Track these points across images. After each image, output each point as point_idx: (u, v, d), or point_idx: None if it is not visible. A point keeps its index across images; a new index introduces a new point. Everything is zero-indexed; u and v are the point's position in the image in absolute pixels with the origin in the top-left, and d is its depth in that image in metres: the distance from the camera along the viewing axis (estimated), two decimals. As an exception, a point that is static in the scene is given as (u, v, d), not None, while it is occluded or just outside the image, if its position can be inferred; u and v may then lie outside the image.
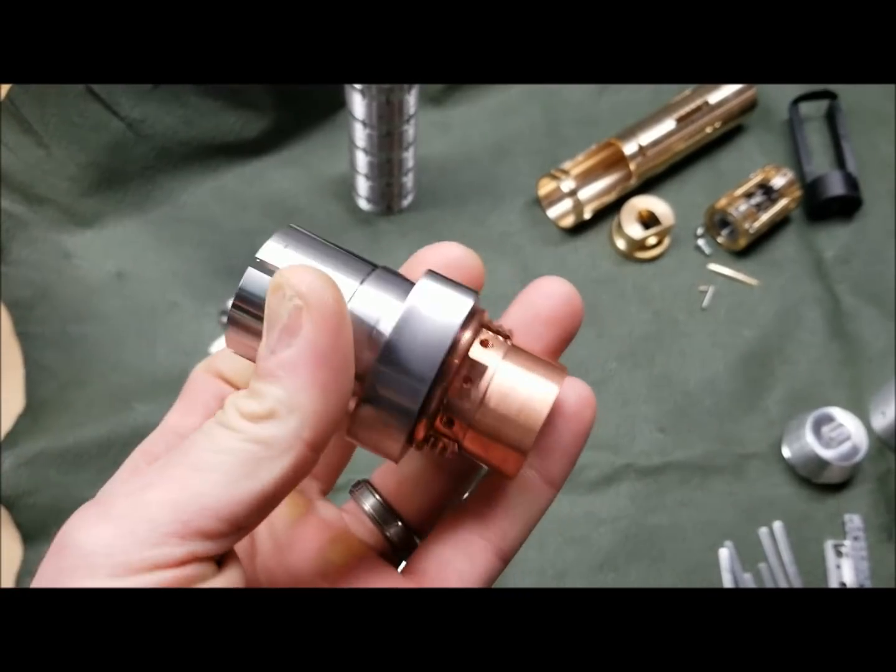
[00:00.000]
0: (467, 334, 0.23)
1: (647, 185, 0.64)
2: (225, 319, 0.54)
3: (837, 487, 0.54)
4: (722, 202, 0.61)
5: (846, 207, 0.64)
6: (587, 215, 0.60)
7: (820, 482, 0.54)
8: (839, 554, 0.52)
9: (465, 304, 0.22)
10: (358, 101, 0.51)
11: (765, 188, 0.61)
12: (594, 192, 0.62)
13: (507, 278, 0.59)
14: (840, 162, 0.66)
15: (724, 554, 0.51)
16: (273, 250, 0.22)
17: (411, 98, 0.51)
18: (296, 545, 0.26)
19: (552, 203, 0.62)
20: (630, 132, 0.61)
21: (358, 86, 0.50)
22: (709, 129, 0.64)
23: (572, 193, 0.59)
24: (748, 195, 0.61)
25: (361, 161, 0.56)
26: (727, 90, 0.65)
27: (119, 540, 0.19)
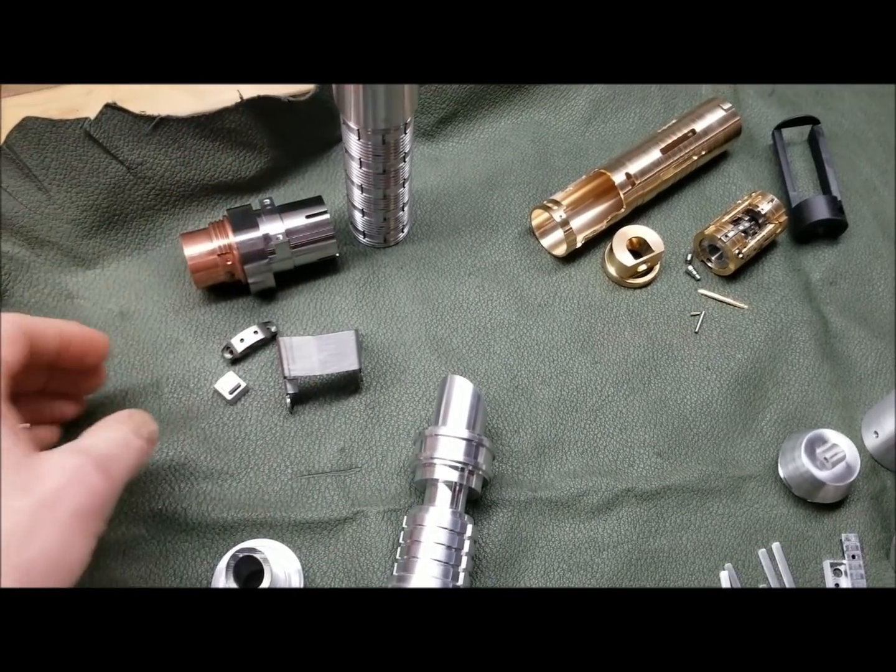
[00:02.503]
0: None
1: (637, 212, 0.65)
2: (228, 355, 0.55)
3: (833, 507, 0.55)
4: (710, 229, 0.62)
5: (831, 230, 0.66)
6: (579, 244, 0.62)
7: (816, 502, 0.55)
8: (837, 573, 0.53)
9: None
10: (353, 140, 0.52)
11: (752, 214, 0.63)
12: (585, 221, 0.64)
13: (503, 307, 0.60)
14: (824, 186, 0.67)
15: (725, 576, 0.52)
16: None
17: (406, 136, 0.53)
18: None
19: (545, 233, 0.64)
20: (618, 162, 0.63)
21: (354, 125, 0.51)
22: (695, 157, 0.65)
23: (564, 223, 0.60)
24: (735, 221, 0.62)
25: (358, 197, 0.58)
26: (712, 118, 0.66)
27: None
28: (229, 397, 0.54)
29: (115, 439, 0.43)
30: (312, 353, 0.54)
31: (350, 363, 0.54)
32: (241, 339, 0.56)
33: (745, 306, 0.62)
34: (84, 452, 0.40)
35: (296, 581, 0.49)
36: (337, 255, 0.59)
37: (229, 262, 0.56)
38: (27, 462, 0.38)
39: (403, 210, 0.60)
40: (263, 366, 0.56)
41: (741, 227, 0.62)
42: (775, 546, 0.54)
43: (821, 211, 0.64)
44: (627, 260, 0.61)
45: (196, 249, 0.55)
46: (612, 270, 0.62)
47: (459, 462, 0.49)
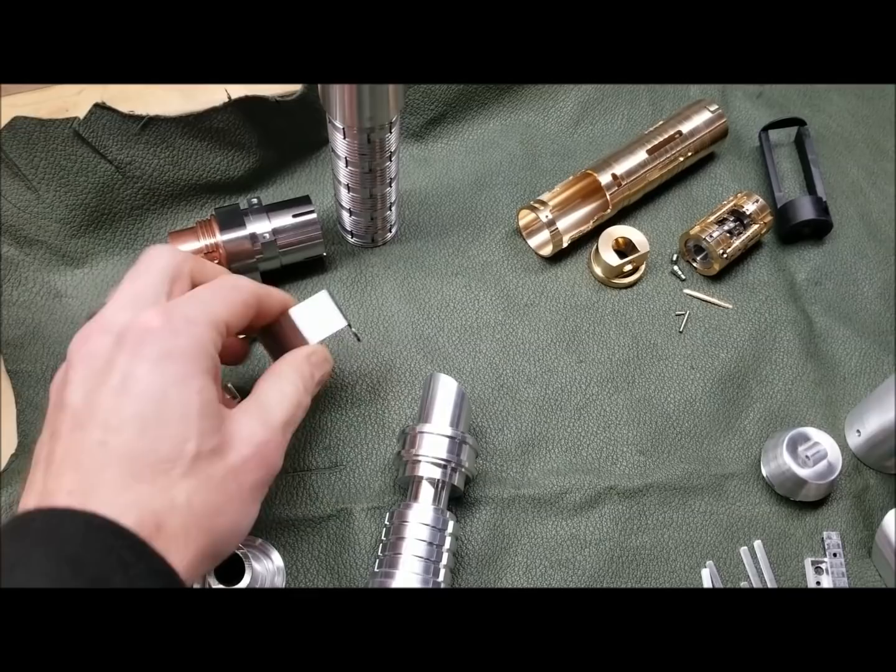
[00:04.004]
0: None
1: (623, 213, 0.65)
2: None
3: (815, 505, 0.55)
4: (695, 229, 0.62)
5: (817, 231, 0.66)
6: (565, 244, 0.62)
7: (798, 500, 0.55)
8: (819, 571, 0.53)
9: None
10: (339, 139, 0.53)
11: (737, 214, 0.63)
12: (572, 221, 0.64)
13: (489, 306, 0.61)
14: (810, 187, 0.68)
15: (707, 574, 0.53)
16: None
17: (392, 136, 0.53)
18: None
19: (532, 233, 0.64)
20: (605, 163, 0.63)
21: (339, 124, 0.51)
22: (681, 158, 0.66)
23: (551, 224, 0.61)
24: (721, 221, 0.63)
25: (345, 196, 0.58)
26: (698, 120, 0.67)
27: None
28: (215, 395, 0.55)
29: (290, 399, 0.42)
30: (296, 329, 0.52)
31: (336, 323, 0.52)
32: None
33: (730, 306, 0.63)
34: (270, 426, 0.40)
35: (278, 578, 0.49)
36: (324, 254, 0.59)
37: (216, 261, 0.56)
38: (221, 424, 0.38)
39: (391, 210, 0.60)
40: (249, 361, 0.57)
41: (726, 228, 0.62)
42: (757, 544, 0.54)
43: (806, 211, 0.64)
44: (613, 260, 0.61)
45: (183, 248, 0.56)
46: (597, 270, 0.63)
47: (442, 459, 0.50)
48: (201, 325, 0.39)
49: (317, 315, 0.50)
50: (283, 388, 0.43)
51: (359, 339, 0.56)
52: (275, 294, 0.47)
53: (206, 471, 0.37)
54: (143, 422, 0.36)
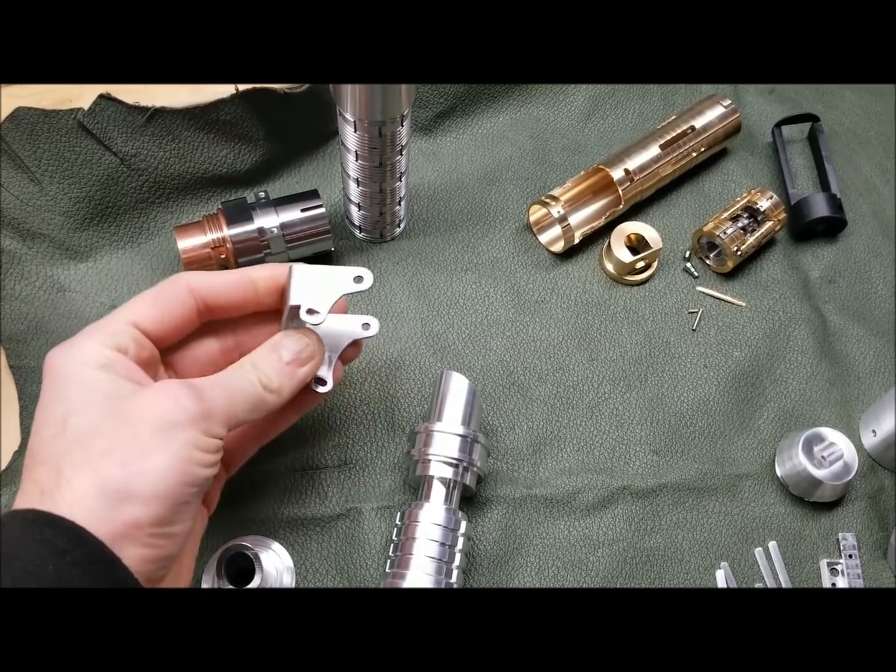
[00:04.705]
0: None
1: (635, 209, 0.65)
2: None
3: (830, 506, 0.55)
4: (709, 226, 0.62)
5: (831, 228, 0.65)
6: (577, 240, 0.61)
7: (813, 501, 0.54)
8: (834, 572, 0.52)
9: None
10: (350, 133, 0.52)
11: (750, 211, 0.62)
12: (583, 217, 0.63)
13: (499, 303, 0.60)
14: (823, 183, 0.67)
15: (721, 575, 0.52)
16: None
17: (403, 129, 0.52)
18: None
19: (543, 229, 0.63)
20: (617, 158, 0.62)
21: (350, 117, 0.50)
22: (694, 154, 0.65)
23: (562, 219, 0.60)
24: (734, 218, 0.62)
25: (354, 191, 0.57)
26: (711, 115, 0.66)
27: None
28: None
29: (230, 385, 0.40)
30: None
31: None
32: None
33: (743, 304, 0.62)
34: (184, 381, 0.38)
35: (287, 578, 0.48)
36: (332, 249, 0.58)
37: (223, 256, 0.55)
38: (133, 392, 0.38)
39: (400, 205, 0.59)
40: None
41: (740, 225, 0.61)
42: (772, 545, 0.53)
43: (820, 208, 0.63)
44: (625, 256, 0.61)
45: (190, 242, 0.55)
46: (609, 267, 0.62)
47: (454, 458, 0.49)
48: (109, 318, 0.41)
49: (317, 283, 0.43)
50: (226, 370, 0.41)
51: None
52: (228, 278, 0.44)
53: (102, 426, 0.36)
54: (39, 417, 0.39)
